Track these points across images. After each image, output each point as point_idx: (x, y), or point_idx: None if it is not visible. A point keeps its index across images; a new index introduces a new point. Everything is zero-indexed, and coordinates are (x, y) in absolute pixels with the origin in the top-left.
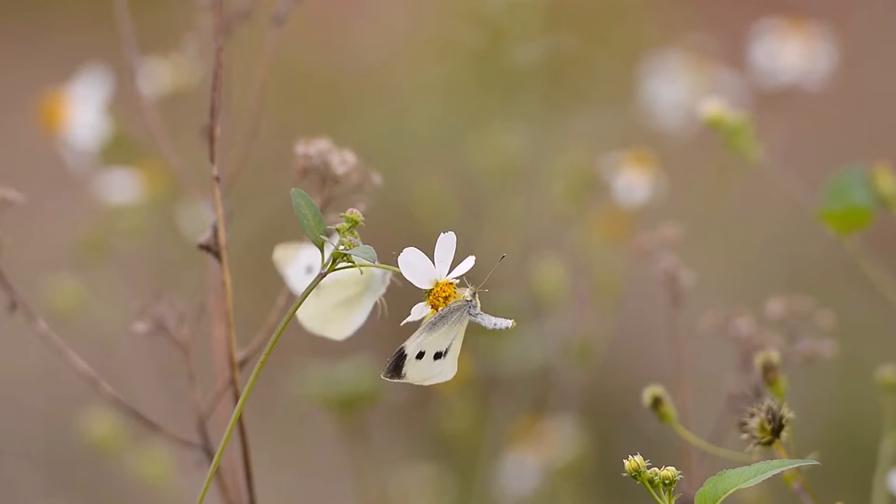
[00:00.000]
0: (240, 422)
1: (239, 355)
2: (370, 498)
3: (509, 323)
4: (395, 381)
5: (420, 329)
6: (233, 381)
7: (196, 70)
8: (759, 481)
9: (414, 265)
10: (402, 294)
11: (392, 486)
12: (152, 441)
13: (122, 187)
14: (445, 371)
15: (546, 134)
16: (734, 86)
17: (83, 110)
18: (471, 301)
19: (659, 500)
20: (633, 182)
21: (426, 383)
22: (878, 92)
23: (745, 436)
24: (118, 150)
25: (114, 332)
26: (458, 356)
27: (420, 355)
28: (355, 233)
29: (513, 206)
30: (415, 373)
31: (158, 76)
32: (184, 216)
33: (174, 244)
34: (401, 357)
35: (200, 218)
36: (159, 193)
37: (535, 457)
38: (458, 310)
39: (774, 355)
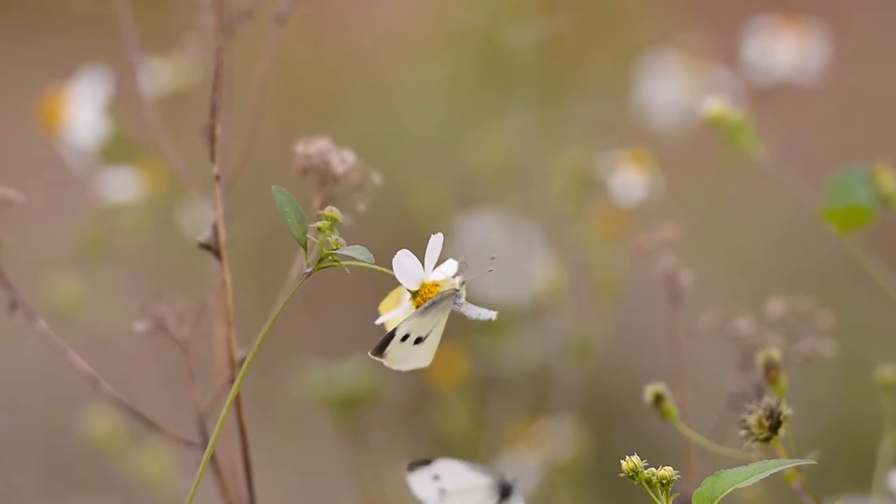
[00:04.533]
0: (240, 420)
1: (239, 354)
2: (369, 497)
3: (492, 314)
4: (376, 358)
5: (414, 313)
6: (233, 381)
7: (197, 69)
8: (757, 481)
9: (406, 267)
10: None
11: (391, 484)
12: (153, 440)
13: (123, 186)
14: (422, 358)
15: (543, 131)
16: (729, 84)
17: (83, 109)
18: (458, 290)
19: (656, 499)
20: (629, 181)
21: (399, 366)
22: (878, 91)
23: (743, 433)
24: (118, 149)
25: (114, 332)
26: (436, 345)
27: (404, 338)
28: (335, 230)
29: (510, 204)
30: (395, 353)
31: (159, 75)
32: (184, 215)
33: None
34: (392, 336)
35: (201, 217)
36: (160, 192)
37: (533, 456)
38: (447, 297)
39: (776, 353)
